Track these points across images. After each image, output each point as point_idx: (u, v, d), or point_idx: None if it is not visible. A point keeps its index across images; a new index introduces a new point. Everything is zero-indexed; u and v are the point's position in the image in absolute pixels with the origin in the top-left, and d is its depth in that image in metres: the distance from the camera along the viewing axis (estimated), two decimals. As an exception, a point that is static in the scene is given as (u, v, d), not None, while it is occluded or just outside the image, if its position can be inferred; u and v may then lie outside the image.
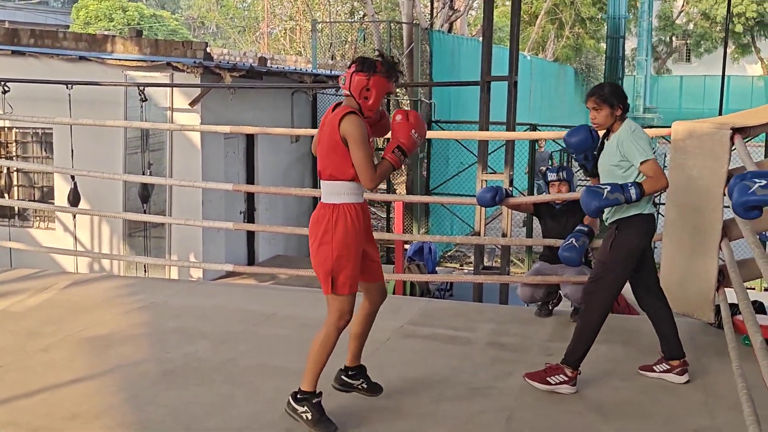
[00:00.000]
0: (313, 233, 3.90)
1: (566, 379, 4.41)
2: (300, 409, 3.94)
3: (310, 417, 3.92)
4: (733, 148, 5.00)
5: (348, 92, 3.85)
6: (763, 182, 2.99)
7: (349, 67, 3.87)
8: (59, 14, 40.51)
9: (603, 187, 4.28)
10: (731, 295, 4.31)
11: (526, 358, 4.99)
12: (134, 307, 6.19)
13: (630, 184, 4.25)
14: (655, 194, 4.47)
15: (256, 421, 4.13)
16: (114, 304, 6.27)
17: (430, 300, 7.62)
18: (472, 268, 14.64)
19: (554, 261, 5.98)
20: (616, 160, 4.42)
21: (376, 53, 3.96)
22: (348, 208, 3.86)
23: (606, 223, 4.57)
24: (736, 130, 5.05)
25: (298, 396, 3.96)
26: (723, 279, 5.19)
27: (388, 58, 3.89)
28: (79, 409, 4.24)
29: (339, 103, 3.92)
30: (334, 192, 3.86)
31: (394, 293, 11.22)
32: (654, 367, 4.68)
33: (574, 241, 5.39)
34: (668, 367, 4.63)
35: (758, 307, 5.28)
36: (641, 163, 4.32)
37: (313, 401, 3.94)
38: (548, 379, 4.43)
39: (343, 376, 4.29)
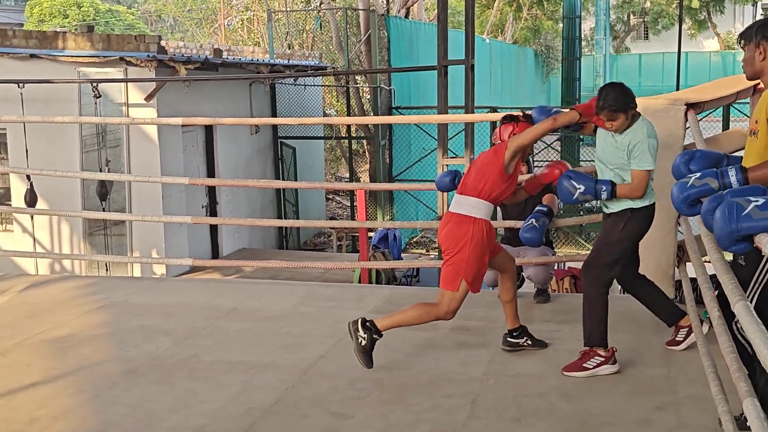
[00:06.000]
0: (449, 239, 4.47)
1: (603, 359, 4.40)
2: (361, 333, 4.41)
3: (363, 344, 4.41)
4: (687, 124, 5.02)
5: (500, 141, 4.66)
6: (698, 174, 2.99)
7: (499, 127, 4.80)
8: (12, 12, 39.79)
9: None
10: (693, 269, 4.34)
11: (490, 342, 4.98)
12: (94, 307, 6.10)
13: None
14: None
15: (219, 416, 4.08)
16: (74, 305, 6.18)
17: (395, 287, 7.61)
18: (437, 253, 14.66)
19: (516, 243, 5.98)
20: (624, 160, 4.36)
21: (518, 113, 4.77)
22: (484, 223, 4.45)
23: (606, 209, 4.51)
24: (690, 106, 5.07)
25: (367, 324, 4.43)
26: (682, 254, 5.23)
27: (526, 113, 4.70)
28: (38, 413, 4.17)
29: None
30: (471, 206, 4.47)
31: (359, 282, 11.20)
32: (676, 339, 4.69)
33: (534, 222, 5.39)
34: (686, 330, 4.64)
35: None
36: (638, 170, 4.31)
37: (374, 336, 4.42)
38: (585, 365, 4.41)
39: (508, 338, 4.81)
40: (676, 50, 17.53)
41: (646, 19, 46.55)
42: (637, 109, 4.37)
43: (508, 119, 4.72)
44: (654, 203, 4.48)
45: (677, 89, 15.77)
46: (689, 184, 2.96)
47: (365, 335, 4.41)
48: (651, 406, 4.03)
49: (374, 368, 4.59)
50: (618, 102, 4.28)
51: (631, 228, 4.44)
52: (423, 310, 4.48)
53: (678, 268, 5.22)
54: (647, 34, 47.17)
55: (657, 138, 4.37)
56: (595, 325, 4.44)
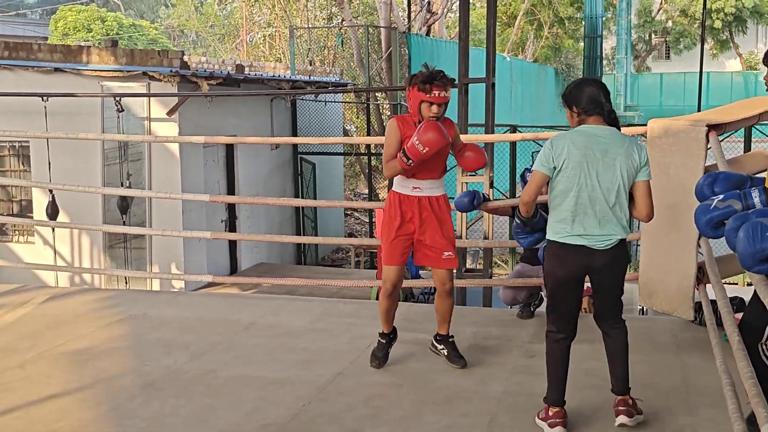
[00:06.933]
0: None
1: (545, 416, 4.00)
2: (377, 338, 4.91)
3: (375, 347, 4.91)
4: (708, 146, 4.99)
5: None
6: (721, 196, 2.97)
7: None
8: (37, 26, 40.25)
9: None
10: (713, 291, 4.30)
11: (507, 361, 4.97)
12: (114, 320, 6.13)
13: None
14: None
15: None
16: (93, 318, 6.21)
17: (412, 304, 7.60)
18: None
19: (535, 262, 5.96)
20: None
21: (422, 66, 4.51)
22: (392, 194, 4.68)
23: None
24: (711, 127, 5.04)
25: (379, 332, 4.91)
26: (703, 276, 5.19)
27: (427, 70, 4.43)
28: (56, 425, 4.19)
29: None
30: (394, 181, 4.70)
31: (377, 298, 11.17)
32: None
33: (552, 242, 5.37)
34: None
35: (738, 302, 5.27)
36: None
37: (380, 338, 4.89)
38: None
39: (433, 340, 4.96)
40: (698, 70, 17.50)
41: (667, 39, 46.47)
42: (655, 128, 4.30)
43: (408, 82, 4.49)
44: (565, 243, 3.83)
45: (699, 109, 15.74)
46: (712, 206, 2.95)
47: (377, 341, 4.92)
48: (670, 428, 3.99)
49: (390, 386, 4.59)
50: (566, 92, 4.00)
51: (544, 261, 3.99)
52: (380, 295, 4.83)
53: (698, 289, 5.18)
54: (668, 53, 47.08)
55: (560, 145, 3.78)
56: (549, 378, 4.00)
